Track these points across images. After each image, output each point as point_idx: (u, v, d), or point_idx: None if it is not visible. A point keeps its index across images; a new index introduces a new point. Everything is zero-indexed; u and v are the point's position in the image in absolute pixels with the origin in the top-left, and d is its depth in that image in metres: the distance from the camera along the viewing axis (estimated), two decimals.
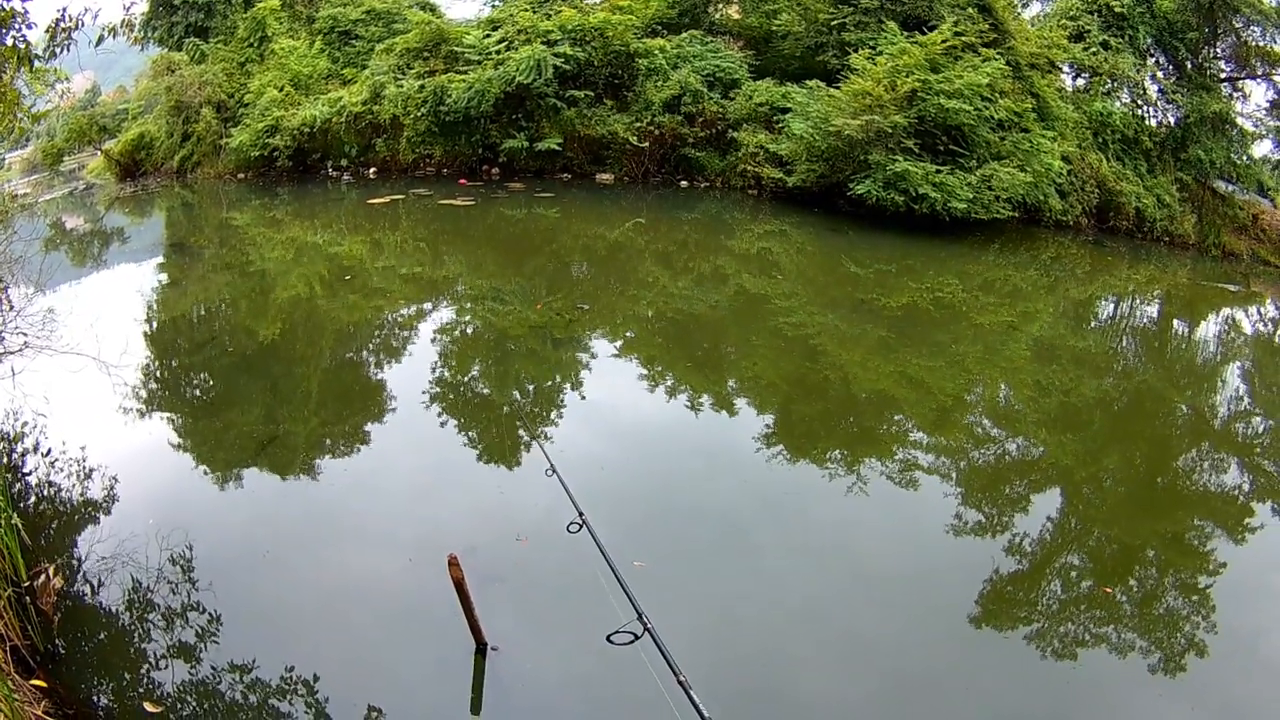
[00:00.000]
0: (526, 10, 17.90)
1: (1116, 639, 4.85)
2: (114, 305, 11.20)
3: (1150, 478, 7.73)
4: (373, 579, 4.84)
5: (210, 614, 4.44)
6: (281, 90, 19.80)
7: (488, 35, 17.82)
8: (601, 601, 4.54)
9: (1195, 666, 4.64)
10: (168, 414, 7.53)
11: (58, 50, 6.94)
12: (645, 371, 8.76)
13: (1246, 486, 8.14)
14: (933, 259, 14.91)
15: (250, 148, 19.56)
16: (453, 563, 3.88)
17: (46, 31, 6.73)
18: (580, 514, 4.15)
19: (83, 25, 6.85)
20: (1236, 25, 21.17)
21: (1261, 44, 21.13)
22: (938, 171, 15.27)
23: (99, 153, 26.35)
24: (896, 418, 8.24)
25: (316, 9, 21.76)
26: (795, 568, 5.27)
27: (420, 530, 5.26)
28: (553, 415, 7.58)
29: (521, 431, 6.80)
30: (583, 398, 7.93)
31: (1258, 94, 21.53)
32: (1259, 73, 21.41)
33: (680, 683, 2.80)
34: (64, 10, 6.65)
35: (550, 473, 4.74)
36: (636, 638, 3.09)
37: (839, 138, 15.39)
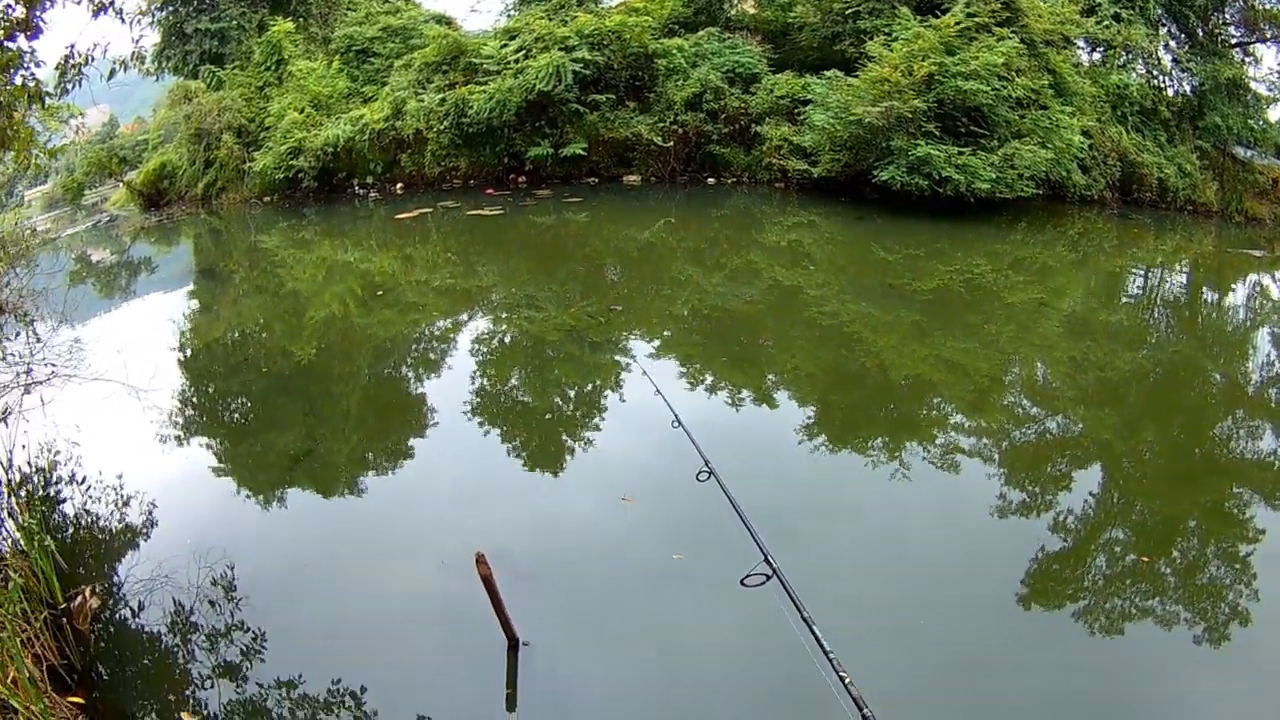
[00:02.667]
0: (542, 18, 18.06)
1: (1161, 612, 4.90)
2: (144, 333, 11.20)
3: (1188, 448, 7.76)
4: (412, 587, 4.90)
5: (254, 632, 4.43)
6: (302, 112, 19.98)
7: (505, 45, 17.99)
8: (627, 601, 4.80)
9: (1238, 635, 4.69)
10: (204, 438, 7.53)
11: (69, 86, 7.00)
12: (684, 370, 8.71)
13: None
14: (960, 241, 14.98)
15: (274, 170, 19.71)
16: (480, 560, 3.89)
17: (56, 68, 6.78)
18: (707, 462, 4.29)
19: (93, 60, 6.88)
20: None
21: (1269, 7, 21.11)
22: (960, 153, 15.38)
23: (121, 185, 26.57)
24: (935, 401, 8.25)
25: (332, 30, 22.00)
26: (843, 554, 5.29)
27: (460, 537, 5.26)
28: (594, 419, 7.57)
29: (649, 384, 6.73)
30: (622, 400, 7.88)
31: (1269, 58, 21.57)
32: (1268, 36, 21.37)
33: (805, 619, 3.02)
34: (73, 46, 6.66)
35: (676, 424, 4.90)
36: (767, 578, 3.32)
37: (860, 126, 15.53)
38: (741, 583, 3.48)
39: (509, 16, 19.99)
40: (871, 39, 16.30)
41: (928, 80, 15.57)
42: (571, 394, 8.28)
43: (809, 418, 7.54)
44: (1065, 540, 5.61)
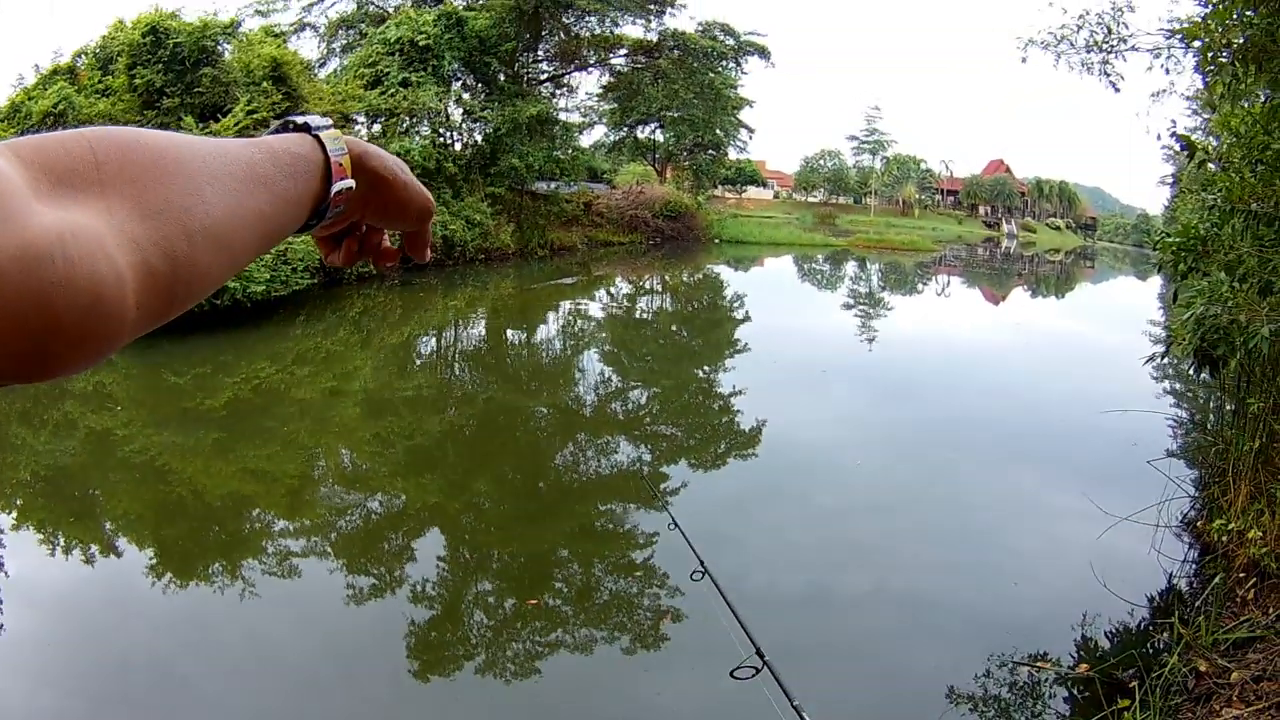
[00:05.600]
0: None
1: (571, 640, 5.11)
2: None
3: (530, 484, 8.28)
4: None
5: None
6: None
7: None
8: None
9: (674, 632, 5.03)
10: None
11: None
12: None
13: (648, 456, 8.95)
14: (243, 348, 15.51)
15: None
16: None
17: None
18: (702, 563, 3.92)
19: None
20: (566, 22, 22.67)
21: (597, 33, 23.15)
22: None
23: None
24: (255, 513, 8.13)
25: None
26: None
27: None
28: None
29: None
30: None
31: (588, 82, 24.25)
32: (592, 61, 23.66)
33: (794, 707, 2.83)
34: None
35: (672, 527, 4.48)
36: (757, 671, 3.14)
37: None
38: None
39: None
40: None
41: None
42: None
43: (151, 559, 6.96)
44: (433, 608, 5.65)
